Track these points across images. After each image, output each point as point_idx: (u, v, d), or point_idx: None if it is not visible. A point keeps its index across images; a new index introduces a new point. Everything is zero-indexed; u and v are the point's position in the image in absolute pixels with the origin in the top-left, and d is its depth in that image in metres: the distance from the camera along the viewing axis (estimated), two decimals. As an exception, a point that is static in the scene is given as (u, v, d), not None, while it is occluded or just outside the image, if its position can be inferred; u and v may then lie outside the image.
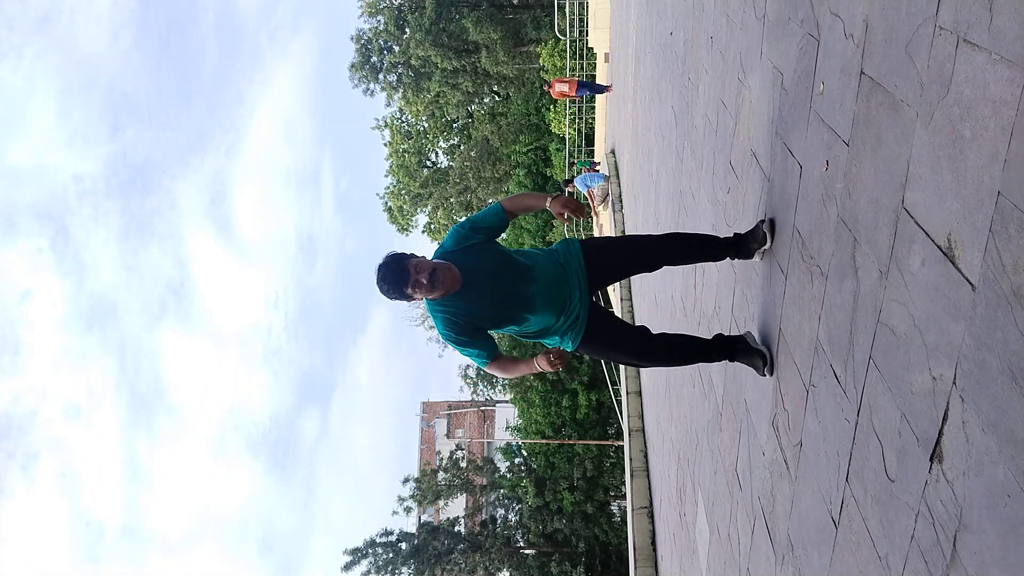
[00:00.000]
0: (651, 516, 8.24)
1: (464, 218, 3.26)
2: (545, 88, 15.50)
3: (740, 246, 2.97)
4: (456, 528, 23.09)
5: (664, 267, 3.18)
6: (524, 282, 2.92)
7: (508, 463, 23.93)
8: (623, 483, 15.69)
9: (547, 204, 3.02)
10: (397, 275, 2.80)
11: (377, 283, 2.84)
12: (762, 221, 2.90)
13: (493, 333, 3.11)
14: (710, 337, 3.19)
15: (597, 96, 20.17)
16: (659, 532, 7.65)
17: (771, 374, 2.83)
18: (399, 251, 2.90)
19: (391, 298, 2.87)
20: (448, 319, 2.91)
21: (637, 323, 7.73)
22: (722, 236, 3.07)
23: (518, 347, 19.85)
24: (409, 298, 2.86)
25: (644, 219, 9.05)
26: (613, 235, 3.33)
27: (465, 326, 2.92)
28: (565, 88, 15.69)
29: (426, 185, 31.58)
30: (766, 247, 2.87)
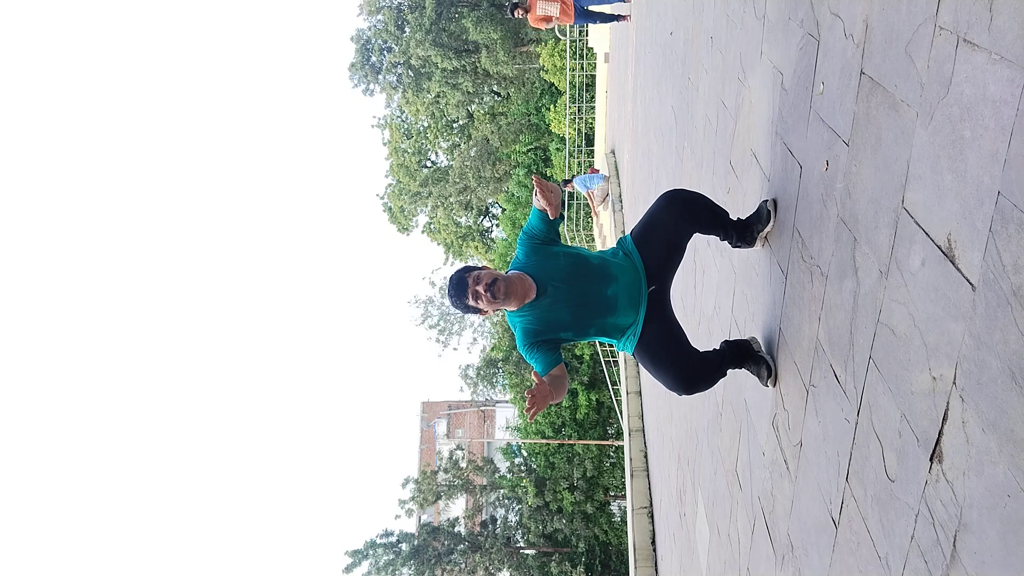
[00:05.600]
0: (651, 516, 8.24)
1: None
2: (518, 14, 9.67)
3: (744, 232, 2.94)
4: (456, 528, 23.12)
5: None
6: (602, 283, 2.80)
7: (508, 463, 23.94)
8: (623, 483, 15.69)
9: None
10: (456, 287, 2.78)
11: (448, 297, 2.85)
12: (765, 201, 2.89)
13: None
14: (717, 345, 3.11)
15: (598, 93, 19.88)
16: (659, 532, 7.65)
17: (774, 385, 2.82)
18: (470, 264, 2.86)
19: (462, 311, 2.84)
20: (526, 328, 2.83)
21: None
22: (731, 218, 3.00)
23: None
24: (478, 311, 2.79)
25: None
26: (645, 219, 3.05)
27: (539, 336, 2.81)
28: (553, 11, 9.56)
29: (426, 184, 31.58)
30: (770, 227, 2.84)
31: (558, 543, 21.63)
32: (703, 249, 4.51)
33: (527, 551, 21.92)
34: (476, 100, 31.54)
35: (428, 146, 32.96)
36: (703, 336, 4.37)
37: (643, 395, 9.76)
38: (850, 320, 2.07)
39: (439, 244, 33.61)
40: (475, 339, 34.63)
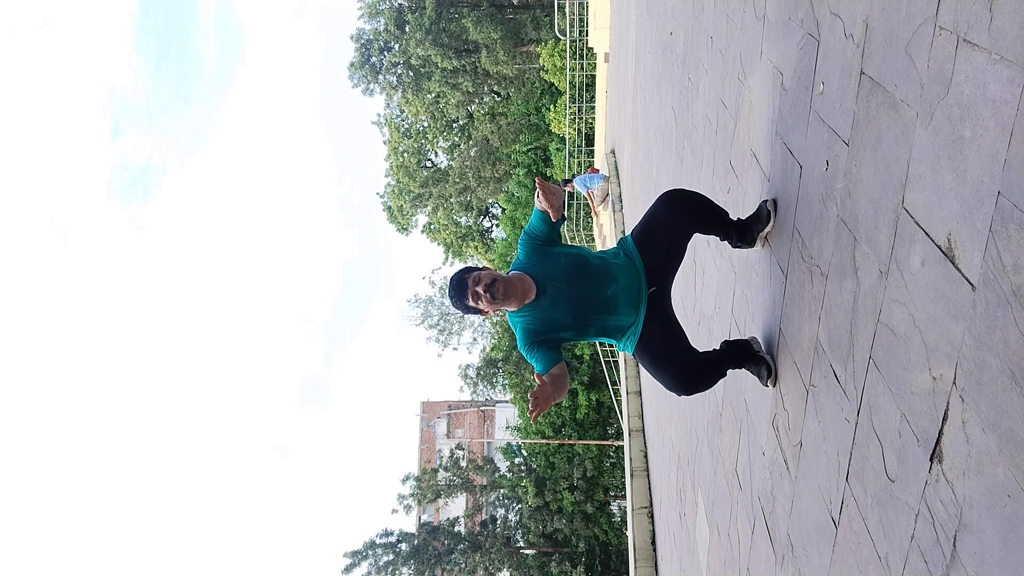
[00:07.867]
0: (651, 516, 8.24)
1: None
2: None
3: (744, 232, 2.94)
4: (456, 528, 23.11)
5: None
6: (603, 283, 2.81)
7: (508, 463, 23.94)
8: (623, 483, 15.69)
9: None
10: (456, 288, 2.80)
11: (448, 298, 2.86)
12: (765, 201, 2.90)
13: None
14: (717, 345, 3.11)
15: (598, 93, 19.88)
16: (659, 532, 7.65)
17: (774, 385, 2.82)
18: (471, 265, 2.86)
19: (462, 312, 2.86)
20: (526, 328, 2.83)
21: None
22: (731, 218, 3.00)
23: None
24: (478, 311, 2.80)
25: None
26: (644, 219, 3.05)
27: (539, 336, 2.81)
28: None
29: (426, 185, 31.57)
30: (770, 227, 2.85)
31: (558, 543, 21.63)
32: (703, 249, 4.51)
33: (527, 551, 21.91)
34: (476, 100, 31.53)
35: (428, 146, 32.95)
36: (703, 336, 4.37)
37: (643, 395, 9.76)
38: (850, 320, 2.07)
39: (439, 244, 33.61)
40: (475, 339, 34.64)
